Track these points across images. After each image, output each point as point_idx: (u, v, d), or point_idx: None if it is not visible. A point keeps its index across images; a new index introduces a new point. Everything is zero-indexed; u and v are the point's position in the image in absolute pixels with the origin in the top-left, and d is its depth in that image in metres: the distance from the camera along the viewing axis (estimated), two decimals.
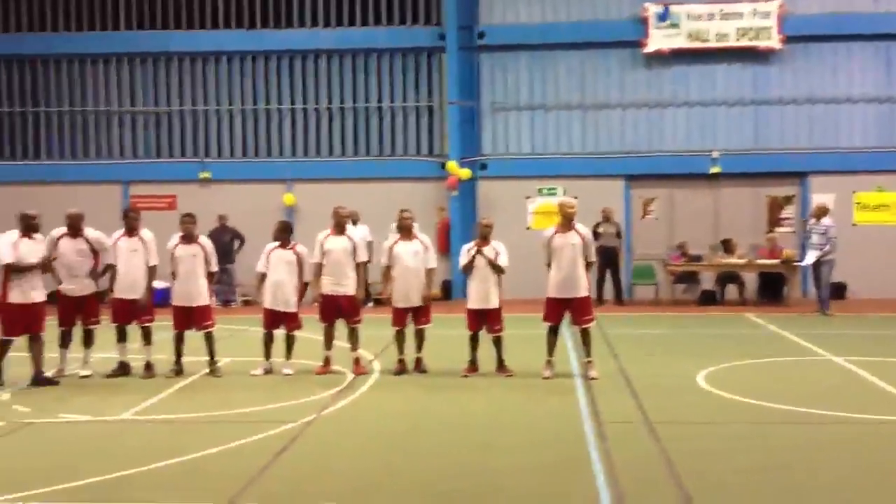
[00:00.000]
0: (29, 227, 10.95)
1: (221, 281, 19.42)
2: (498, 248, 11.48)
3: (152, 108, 21.77)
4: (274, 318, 11.80)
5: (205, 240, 11.96)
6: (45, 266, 10.90)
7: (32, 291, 10.83)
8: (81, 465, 7.74)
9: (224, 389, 10.92)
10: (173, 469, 7.64)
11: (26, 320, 10.81)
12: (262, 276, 11.84)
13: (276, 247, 11.82)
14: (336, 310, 11.72)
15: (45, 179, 21.03)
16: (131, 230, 11.66)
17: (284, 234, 11.88)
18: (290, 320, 11.80)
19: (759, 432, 8.69)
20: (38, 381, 11.01)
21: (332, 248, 11.62)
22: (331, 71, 21.48)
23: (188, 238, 11.70)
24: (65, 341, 11.63)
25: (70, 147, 21.85)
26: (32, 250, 10.84)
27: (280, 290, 11.69)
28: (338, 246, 11.63)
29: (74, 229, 11.46)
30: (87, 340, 11.71)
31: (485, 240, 11.50)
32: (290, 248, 11.83)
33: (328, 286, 11.68)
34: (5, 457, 8.14)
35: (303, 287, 11.82)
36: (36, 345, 11.02)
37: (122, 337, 11.70)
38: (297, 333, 11.92)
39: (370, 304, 18.70)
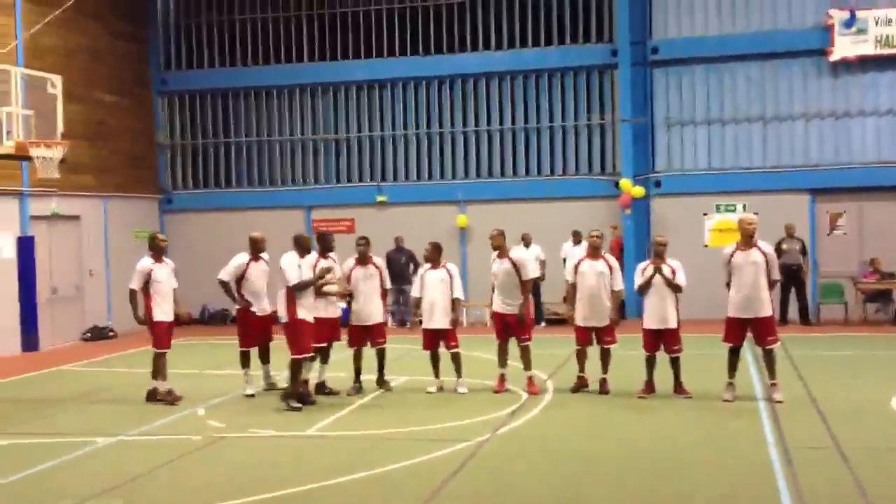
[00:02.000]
0: (256, 248, 12.04)
1: (398, 301, 19.94)
2: (675, 267, 11.26)
3: (332, 135, 22.64)
4: (432, 338, 12.00)
5: (378, 260, 12.38)
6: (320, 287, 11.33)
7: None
8: (270, 478, 8.13)
9: (401, 407, 11.18)
10: (355, 484, 7.90)
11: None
12: (418, 301, 12.09)
13: (429, 268, 12.04)
14: (506, 328, 11.83)
15: (234, 206, 22.24)
16: (327, 251, 12.04)
17: (436, 254, 12.07)
18: (447, 338, 11.97)
19: None
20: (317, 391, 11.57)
21: (497, 271, 11.76)
22: (502, 93, 21.68)
23: (363, 260, 12.10)
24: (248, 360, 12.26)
25: (257, 175, 23.01)
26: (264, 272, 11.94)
27: (434, 309, 11.89)
28: (501, 268, 11.74)
29: (257, 251, 12.12)
30: (265, 356, 12.35)
31: (660, 258, 11.32)
32: (442, 267, 12.01)
33: (498, 305, 11.83)
34: (200, 469, 8.64)
35: (453, 304, 11.92)
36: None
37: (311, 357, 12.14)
38: (463, 352, 12.03)
39: (542, 325, 18.70)
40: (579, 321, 11.62)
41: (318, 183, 22.59)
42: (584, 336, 11.66)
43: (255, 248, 12.19)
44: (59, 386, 13.76)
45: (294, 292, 10.94)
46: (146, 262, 11.78)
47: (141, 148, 22.16)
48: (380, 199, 21.78)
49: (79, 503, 7.47)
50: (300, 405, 11.02)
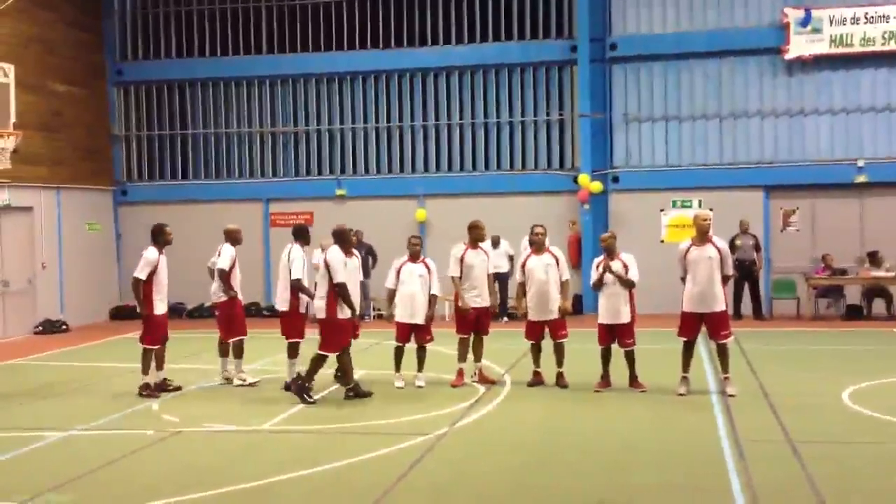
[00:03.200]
0: (235, 240, 12.18)
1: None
2: (628, 262, 11.34)
3: (291, 127, 22.50)
4: (408, 332, 11.99)
5: (356, 252, 12.38)
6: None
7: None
8: (225, 473, 8.07)
9: (359, 401, 11.13)
10: (313, 479, 7.86)
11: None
12: (392, 293, 12.05)
13: (406, 261, 12.02)
14: (476, 321, 11.90)
15: (191, 199, 22.03)
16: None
17: (417, 248, 12.09)
18: (423, 333, 11.98)
19: None
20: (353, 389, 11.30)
21: (477, 261, 11.87)
22: (462, 87, 21.69)
23: (349, 251, 12.07)
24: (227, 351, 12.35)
25: (214, 167, 22.80)
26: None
27: (414, 303, 11.88)
28: (479, 258, 11.89)
29: (236, 243, 12.23)
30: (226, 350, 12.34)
31: (609, 254, 11.40)
32: (421, 262, 12.01)
33: (474, 299, 11.88)
34: (154, 464, 8.54)
35: (431, 299, 11.95)
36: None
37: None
38: (428, 346, 12.05)
39: (504, 320, 18.77)
40: (532, 316, 11.70)
41: (277, 176, 22.45)
42: (535, 330, 11.74)
43: (235, 239, 12.22)
44: (9, 380, 13.53)
45: (339, 290, 10.83)
46: (154, 252, 11.61)
47: (96, 139, 21.84)
48: (339, 192, 21.70)
49: (28, 499, 7.35)
50: (314, 399, 10.99)
